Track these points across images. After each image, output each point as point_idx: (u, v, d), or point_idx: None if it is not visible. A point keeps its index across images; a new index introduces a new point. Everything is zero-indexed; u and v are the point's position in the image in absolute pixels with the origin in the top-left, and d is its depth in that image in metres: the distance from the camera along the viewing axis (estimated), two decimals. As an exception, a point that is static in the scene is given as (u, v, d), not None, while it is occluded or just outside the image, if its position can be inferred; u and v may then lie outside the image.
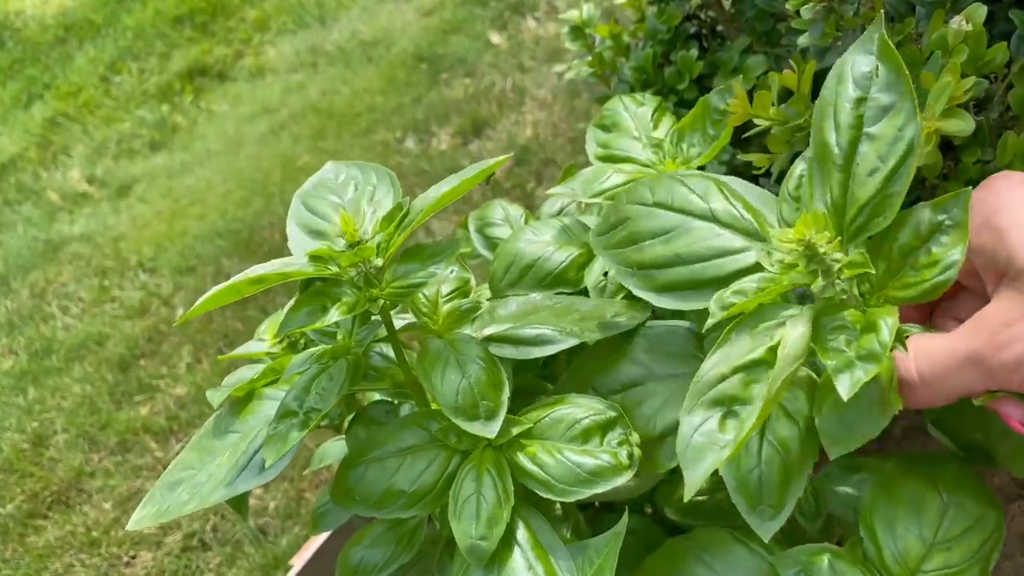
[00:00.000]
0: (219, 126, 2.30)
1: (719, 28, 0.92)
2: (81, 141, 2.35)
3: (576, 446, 0.45)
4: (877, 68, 0.38)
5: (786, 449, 0.39)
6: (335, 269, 0.42)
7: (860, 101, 0.38)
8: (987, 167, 0.58)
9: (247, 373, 0.53)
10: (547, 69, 2.13)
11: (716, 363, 0.37)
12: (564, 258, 0.60)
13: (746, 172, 0.71)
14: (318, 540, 0.85)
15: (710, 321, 0.37)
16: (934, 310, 0.43)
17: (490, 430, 0.42)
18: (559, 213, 0.73)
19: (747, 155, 0.65)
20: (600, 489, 0.43)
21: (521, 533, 0.46)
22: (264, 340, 0.57)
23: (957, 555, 0.38)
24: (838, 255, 0.35)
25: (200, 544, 1.33)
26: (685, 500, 0.35)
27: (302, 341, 0.56)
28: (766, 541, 0.38)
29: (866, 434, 0.36)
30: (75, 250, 2.00)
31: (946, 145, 0.62)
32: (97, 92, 2.49)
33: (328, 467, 0.72)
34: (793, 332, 0.34)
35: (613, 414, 0.45)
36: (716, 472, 0.52)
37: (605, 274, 0.57)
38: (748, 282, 0.38)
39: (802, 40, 0.60)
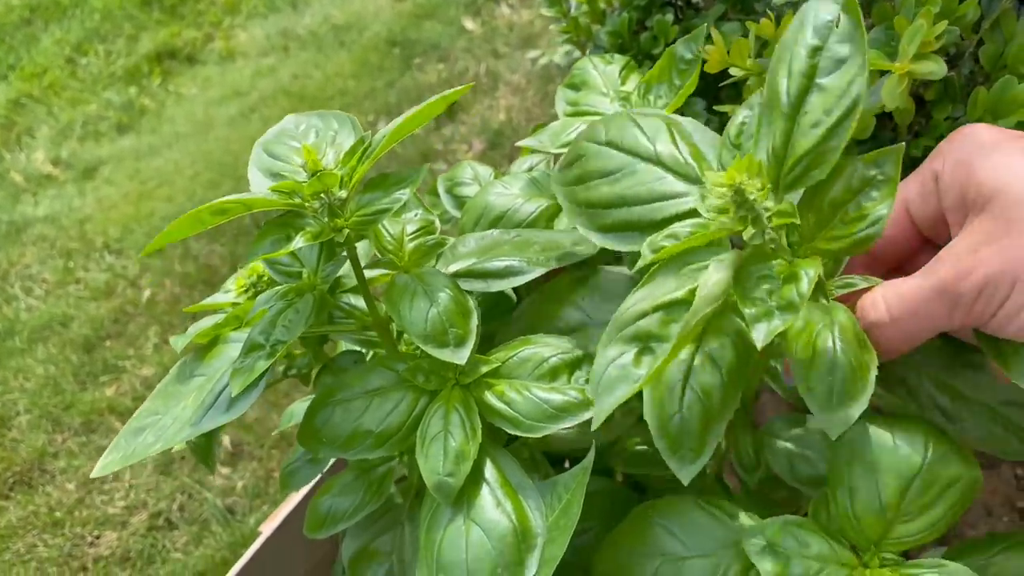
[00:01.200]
0: (188, 109, 2.27)
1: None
2: (46, 123, 2.31)
3: (544, 384, 0.45)
4: (839, 18, 0.37)
5: (708, 396, 0.39)
6: (298, 200, 0.41)
7: (816, 50, 0.37)
8: (957, 122, 0.58)
9: (211, 322, 0.52)
10: (521, 55, 2.13)
11: (638, 300, 0.38)
12: (534, 209, 0.59)
13: (719, 128, 0.71)
14: (287, 507, 0.83)
15: (640, 263, 0.37)
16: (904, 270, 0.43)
17: (460, 356, 0.42)
18: (528, 172, 0.73)
19: (722, 107, 0.65)
20: (567, 424, 0.43)
21: (490, 472, 0.45)
22: (230, 290, 0.56)
23: (919, 524, 0.38)
24: (768, 203, 0.35)
25: (166, 523, 1.32)
26: (592, 429, 0.36)
27: (267, 289, 0.55)
28: (685, 484, 0.38)
29: (856, 401, 0.36)
30: (39, 232, 1.96)
31: (918, 101, 0.63)
32: (63, 74, 2.45)
33: (285, 428, 0.71)
34: (713, 275, 0.34)
35: (580, 353, 0.45)
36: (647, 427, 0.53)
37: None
38: (681, 226, 0.38)
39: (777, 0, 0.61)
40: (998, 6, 0.57)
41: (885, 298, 0.38)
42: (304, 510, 0.85)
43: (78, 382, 1.57)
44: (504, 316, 0.54)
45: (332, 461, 0.67)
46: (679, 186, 0.42)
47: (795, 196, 0.39)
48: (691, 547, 0.44)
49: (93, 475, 0.47)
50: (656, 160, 0.44)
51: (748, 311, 0.34)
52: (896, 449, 0.39)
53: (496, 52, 2.16)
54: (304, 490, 0.79)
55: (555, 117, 0.66)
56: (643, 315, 0.37)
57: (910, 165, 0.65)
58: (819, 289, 0.40)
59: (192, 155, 2.09)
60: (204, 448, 0.53)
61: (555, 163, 0.72)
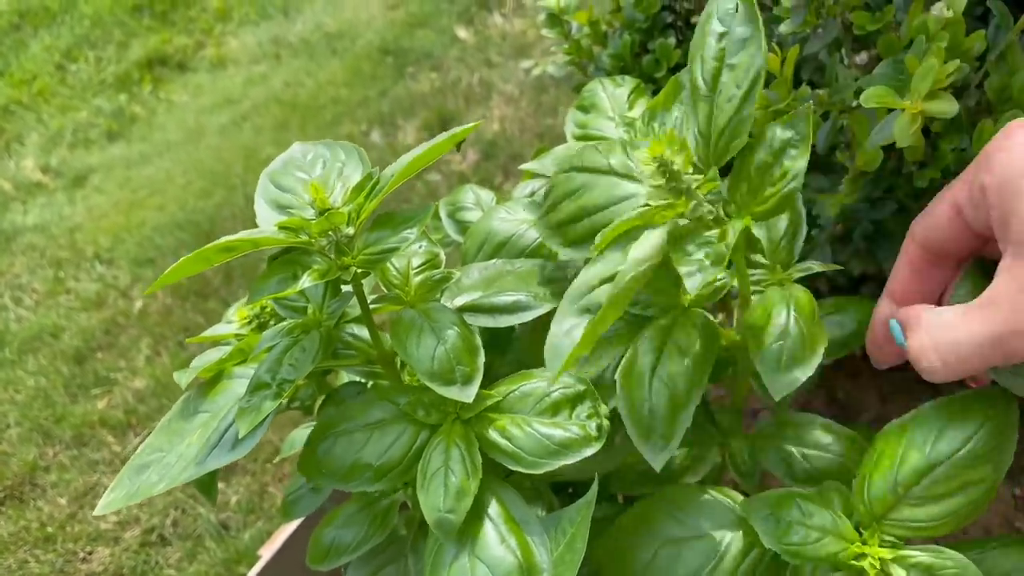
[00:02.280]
0: (179, 117, 2.26)
1: (693, 20, 0.92)
2: (35, 130, 2.29)
3: (545, 419, 0.45)
4: (737, 5, 0.42)
5: (674, 383, 0.42)
6: (305, 238, 0.41)
7: (723, 35, 0.41)
8: (963, 154, 0.59)
9: (215, 355, 0.51)
10: (514, 65, 2.13)
11: (587, 277, 0.41)
12: (537, 235, 0.59)
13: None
14: (287, 531, 0.83)
15: (592, 251, 0.40)
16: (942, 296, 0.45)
17: (467, 394, 0.42)
18: (530, 196, 0.73)
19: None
20: (569, 460, 0.43)
21: (493, 508, 0.45)
22: (232, 322, 0.56)
23: (925, 513, 0.39)
24: (694, 174, 0.38)
25: (159, 539, 1.31)
26: (548, 386, 0.41)
27: (271, 321, 0.55)
28: (658, 470, 0.41)
29: (804, 374, 0.40)
30: (29, 241, 1.95)
31: (923, 132, 0.63)
32: (52, 80, 2.43)
33: (286, 456, 0.71)
34: (645, 241, 0.37)
35: (582, 387, 0.45)
36: None
37: (577, 252, 0.57)
38: (627, 213, 0.40)
39: (783, 27, 0.61)
40: (1004, 39, 0.57)
41: (938, 349, 0.38)
42: (303, 533, 0.84)
43: (69, 394, 1.56)
44: (503, 346, 0.54)
45: (331, 490, 0.67)
46: (631, 188, 0.45)
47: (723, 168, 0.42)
48: (692, 528, 0.45)
49: (96, 513, 0.46)
50: (610, 171, 0.46)
51: (682, 268, 0.37)
52: (940, 435, 0.41)
53: (489, 62, 2.16)
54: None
55: (549, 128, 0.66)
56: (591, 288, 0.40)
57: (913, 195, 0.66)
58: (750, 246, 0.44)
59: (183, 164, 2.08)
60: (207, 482, 0.53)
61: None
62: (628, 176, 0.45)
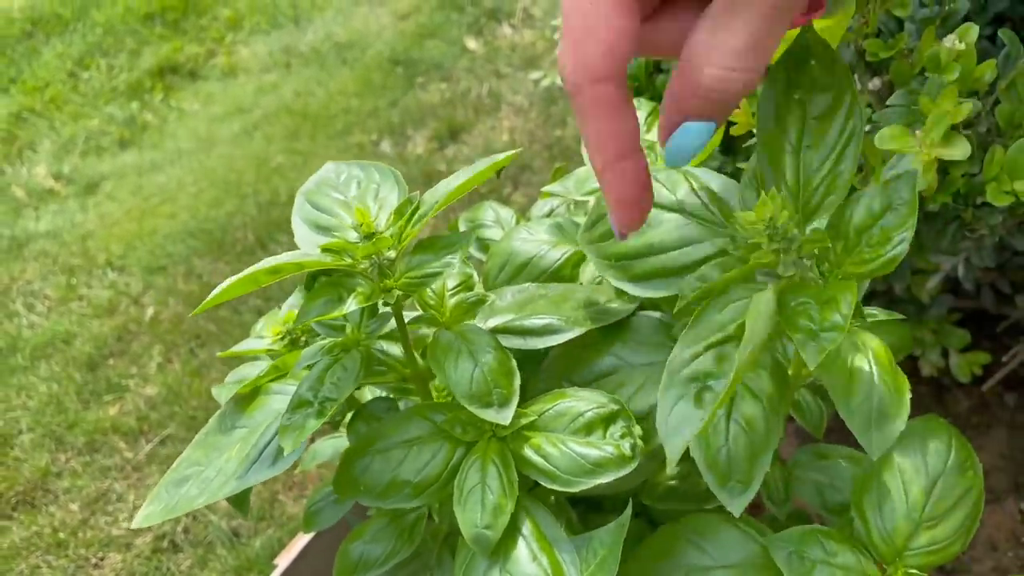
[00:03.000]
0: (190, 125, 2.27)
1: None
2: (48, 137, 2.31)
3: (580, 438, 0.46)
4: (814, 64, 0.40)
5: (752, 427, 0.41)
6: (349, 260, 0.42)
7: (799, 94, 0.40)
8: (974, 179, 0.60)
9: (250, 370, 0.53)
10: (523, 76, 2.15)
11: (689, 343, 0.39)
12: (559, 256, 0.61)
13: (733, 176, 0.73)
14: (303, 539, 0.84)
15: (679, 304, 0.40)
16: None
17: (503, 416, 0.43)
18: (549, 215, 0.74)
19: (741, 163, 0.66)
20: (604, 479, 0.44)
21: (525, 525, 0.46)
22: (264, 337, 0.57)
23: (942, 531, 0.41)
24: (796, 232, 0.37)
25: (171, 546, 1.32)
26: (668, 471, 0.37)
27: (303, 338, 0.56)
28: (736, 516, 0.40)
29: (895, 421, 0.38)
30: (41, 247, 1.96)
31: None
32: (64, 88, 2.45)
33: (308, 468, 0.72)
34: (759, 304, 0.36)
35: (615, 407, 0.46)
36: (689, 458, 0.54)
37: (602, 272, 0.58)
38: (709, 268, 0.40)
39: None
40: (1014, 67, 0.58)
41: (734, 67, 0.32)
42: (319, 542, 0.86)
43: (81, 401, 1.57)
44: (534, 366, 0.55)
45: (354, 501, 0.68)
46: (702, 230, 0.45)
47: (818, 225, 0.41)
48: (718, 559, 0.46)
49: (134, 526, 0.48)
50: (679, 209, 0.46)
51: (796, 336, 0.36)
52: (922, 454, 0.42)
53: (498, 73, 2.17)
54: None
55: (558, 139, 0.68)
56: (696, 356, 0.39)
57: (923, 219, 0.67)
58: (856, 312, 0.42)
59: (195, 172, 2.09)
60: (241, 497, 0.54)
61: (575, 208, 0.73)
62: (698, 216, 0.44)
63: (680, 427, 0.37)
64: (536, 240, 0.64)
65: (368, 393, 0.62)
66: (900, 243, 0.38)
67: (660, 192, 0.46)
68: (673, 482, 0.57)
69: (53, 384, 1.61)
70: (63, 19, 2.65)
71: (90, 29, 2.60)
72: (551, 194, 0.73)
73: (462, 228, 0.75)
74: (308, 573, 0.82)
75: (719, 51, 0.32)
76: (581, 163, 0.74)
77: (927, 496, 0.41)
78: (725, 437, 0.41)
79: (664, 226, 0.45)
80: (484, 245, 0.72)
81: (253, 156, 2.09)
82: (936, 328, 0.97)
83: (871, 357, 0.41)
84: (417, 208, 0.43)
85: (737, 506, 0.40)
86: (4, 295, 1.86)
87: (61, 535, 1.36)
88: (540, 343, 0.48)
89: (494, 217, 0.74)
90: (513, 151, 0.45)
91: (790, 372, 0.46)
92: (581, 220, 0.67)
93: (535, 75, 2.30)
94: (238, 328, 1.62)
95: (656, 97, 0.86)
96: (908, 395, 0.40)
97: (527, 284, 0.53)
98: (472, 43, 2.31)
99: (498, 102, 2.09)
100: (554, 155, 1.90)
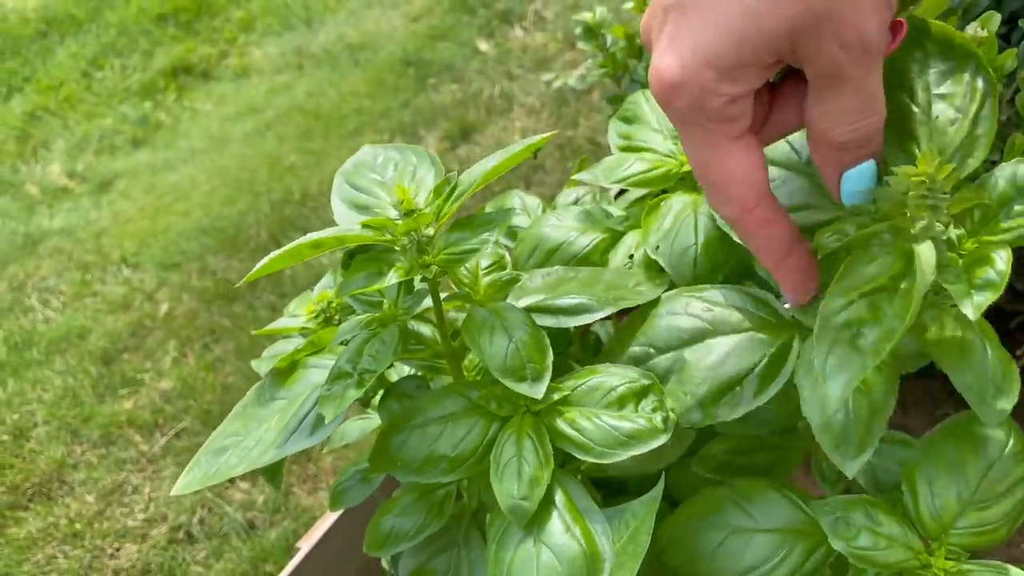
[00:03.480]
0: (203, 124, 2.29)
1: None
2: (61, 136, 2.33)
3: (612, 412, 0.47)
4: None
5: (870, 391, 0.41)
6: (389, 237, 0.44)
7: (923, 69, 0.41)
8: (993, 166, 0.61)
9: (286, 346, 0.54)
10: (535, 77, 2.17)
11: (840, 292, 0.39)
12: (588, 242, 0.62)
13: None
14: (324, 524, 0.85)
15: (818, 255, 0.41)
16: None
17: (537, 390, 0.44)
18: (575, 203, 0.76)
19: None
20: (637, 451, 0.45)
21: (558, 496, 0.47)
22: (298, 315, 0.58)
23: (992, 514, 0.41)
24: (947, 192, 0.37)
25: (186, 537, 1.33)
26: (825, 414, 0.38)
27: (337, 316, 0.58)
28: (850, 477, 0.40)
29: (1011, 398, 0.38)
30: (55, 244, 1.98)
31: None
32: (78, 87, 2.47)
33: (335, 447, 0.73)
34: (923, 253, 0.36)
35: (647, 382, 0.47)
36: (745, 436, 0.54)
37: (630, 257, 0.59)
38: (846, 222, 0.40)
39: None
40: (1034, 56, 0.60)
41: (861, 120, 0.36)
42: (340, 526, 0.87)
43: (96, 394, 1.59)
44: (560, 349, 0.56)
45: (381, 480, 0.69)
46: (821, 197, 0.45)
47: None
48: (761, 522, 0.46)
49: (173, 492, 0.49)
50: (807, 172, 0.46)
51: (953, 288, 0.36)
52: (982, 439, 0.43)
53: (510, 74, 2.19)
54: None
55: (569, 139, 0.69)
56: (849, 304, 0.38)
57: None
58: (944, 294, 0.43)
59: (208, 171, 2.11)
60: (274, 469, 0.55)
61: (601, 195, 0.74)
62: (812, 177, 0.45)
63: (839, 371, 0.36)
64: (565, 227, 0.65)
65: (395, 374, 0.63)
66: None
67: (790, 154, 0.47)
68: (728, 456, 0.57)
69: (68, 378, 1.62)
70: (77, 19, 2.67)
71: (104, 30, 2.63)
72: (579, 183, 0.74)
73: (488, 216, 0.76)
74: (330, 555, 0.84)
75: (839, 116, 0.36)
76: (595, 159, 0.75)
77: (982, 478, 0.42)
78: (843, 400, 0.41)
79: (788, 185, 0.46)
80: (511, 232, 0.73)
81: (266, 155, 2.10)
82: (950, 323, 0.98)
83: (979, 331, 0.41)
84: (455, 188, 0.44)
85: (852, 468, 0.40)
86: (19, 291, 1.87)
87: (77, 526, 1.37)
88: (572, 322, 0.49)
89: (520, 205, 0.75)
90: (550, 132, 0.46)
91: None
92: (608, 207, 0.68)
93: (547, 76, 2.32)
94: (252, 323, 1.63)
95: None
96: (1017, 371, 0.40)
97: (556, 267, 0.54)
98: (484, 45, 2.33)
99: (510, 103, 2.11)
100: (566, 155, 1.91)
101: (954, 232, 0.40)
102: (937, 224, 0.37)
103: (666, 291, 0.55)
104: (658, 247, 0.57)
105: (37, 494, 1.44)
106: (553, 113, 2.02)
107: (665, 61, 0.35)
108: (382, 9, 2.58)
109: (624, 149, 0.65)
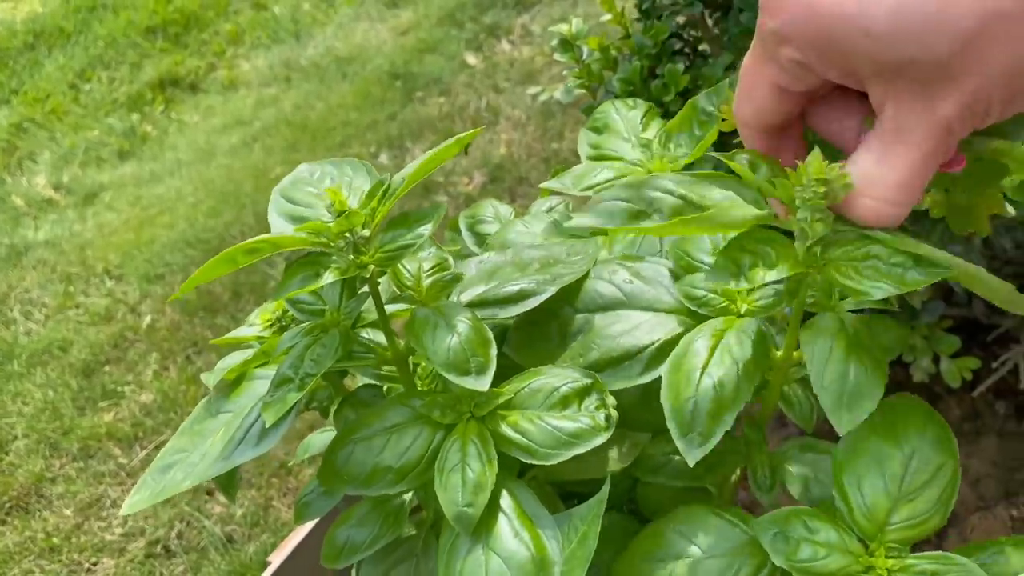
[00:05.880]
0: (190, 137, 2.29)
1: (702, 48, 0.95)
2: (48, 148, 2.33)
3: (556, 412, 0.46)
4: None
5: (723, 386, 0.43)
6: (324, 239, 0.43)
7: None
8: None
9: (237, 357, 0.53)
10: (521, 91, 2.17)
11: (674, 181, 0.42)
12: (551, 249, 0.61)
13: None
14: (296, 538, 0.84)
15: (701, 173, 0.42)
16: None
17: (482, 383, 0.44)
18: (548, 212, 0.75)
19: (733, 162, 0.67)
20: (580, 450, 0.44)
21: (506, 502, 0.47)
22: (255, 325, 0.58)
23: (921, 505, 0.41)
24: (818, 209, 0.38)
25: (164, 551, 1.31)
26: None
27: (292, 324, 0.57)
28: (691, 465, 0.41)
29: (868, 407, 0.39)
30: (39, 256, 1.97)
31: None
32: (65, 99, 2.47)
33: (300, 459, 0.72)
34: (744, 211, 0.38)
35: (588, 380, 0.47)
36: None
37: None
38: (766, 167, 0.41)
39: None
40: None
41: (886, 200, 0.36)
42: (312, 540, 0.86)
43: (76, 407, 1.58)
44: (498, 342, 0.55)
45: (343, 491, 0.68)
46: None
47: None
48: (707, 550, 0.46)
49: (122, 513, 0.48)
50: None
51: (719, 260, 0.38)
52: (897, 430, 0.43)
53: (497, 87, 2.19)
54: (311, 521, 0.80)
55: (555, 152, 0.69)
56: (667, 191, 0.41)
57: (911, 219, 0.68)
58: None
59: (194, 183, 2.11)
60: (228, 479, 0.55)
61: (574, 205, 0.74)
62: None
63: (603, 213, 0.41)
64: (531, 233, 0.64)
65: (361, 382, 0.63)
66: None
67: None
68: (666, 457, 0.57)
69: (49, 391, 1.61)
70: (65, 32, 2.68)
71: (92, 42, 2.63)
72: (549, 191, 0.73)
73: (462, 226, 0.76)
74: (301, 570, 0.82)
75: (879, 184, 0.36)
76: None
77: (904, 470, 0.42)
78: (695, 390, 0.43)
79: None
80: (482, 240, 0.73)
81: (252, 167, 2.10)
82: (927, 334, 0.97)
83: (851, 335, 0.42)
84: (388, 188, 0.44)
85: (693, 456, 0.42)
86: (2, 303, 1.86)
87: (55, 540, 1.36)
88: (518, 309, 0.48)
89: (493, 213, 0.75)
90: (477, 129, 0.46)
91: (780, 354, 0.47)
92: (578, 216, 0.67)
93: (533, 90, 2.32)
94: (234, 335, 1.63)
95: (650, 101, 0.87)
96: (885, 377, 0.40)
97: (489, 254, 0.53)
98: (471, 58, 2.33)
99: (496, 116, 2.11)
100: (551, 168, 1.91)
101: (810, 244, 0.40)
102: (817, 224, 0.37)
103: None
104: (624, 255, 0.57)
105: (15, 508, 1.42)
106: (539, 126, 2.02)
107: None
108: (370, 22, 2.59)
109: (593, 158, 0.65)
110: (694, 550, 0.47)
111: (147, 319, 1.74)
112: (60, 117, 2.41)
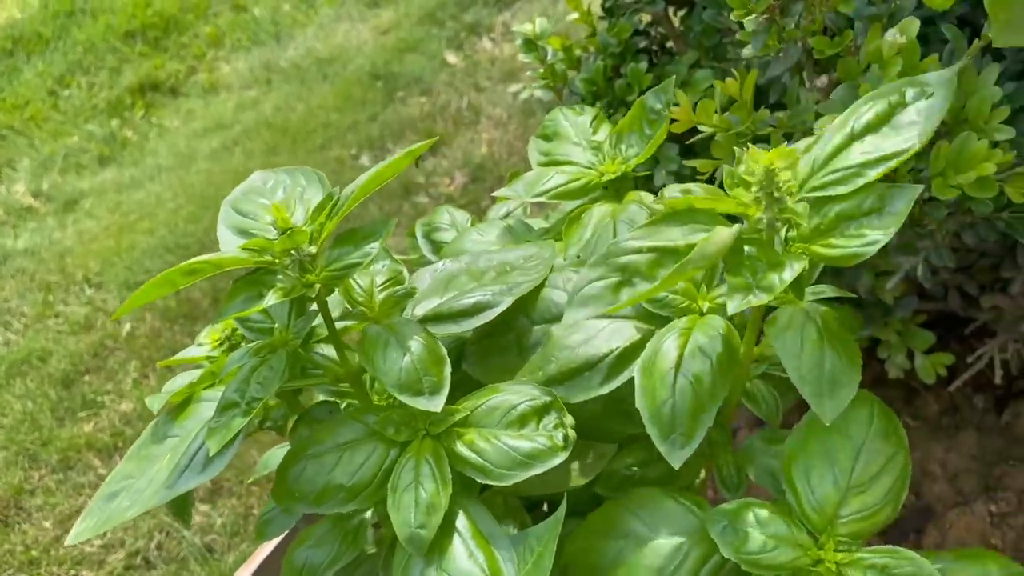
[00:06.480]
0: (170, 141, 2.27)
1: (668, 45, 0.94)
2: (27, 155, 2.30)
3: (513, 431, 0.45)
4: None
5: (699, 383, 0.42)
6: (269, 258, 0.42)
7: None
8: (920, 174, 0.60)
9: (186, 379, 0.52)
10: (503, 89, 2.15)
11: (636, 238, 0.40)
12: (507, 257, 0.60)
13: (691, 179, 0.73)
14: (264, 551, 0.83)
15: (648, 220, 0.41)
16: None
17: (435, 404, 0.43)
18: (505, 217, 0.74)
19: (692, 161, 0.66)
20: (537, 471, 0.44)
21: (462, 523, 0.46)
22: (204, 344, 0.56)
23: (871, 497, 0.41)
24: (789, 196, 0.38)
25: (144, 562, 1.30)
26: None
27: (242, 344, 0.56)
28: (676, 468, 0.41)
29: (848, 392, 0.39)
30: (19, 265, 1.95)
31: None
32: (45, 106, 2.45)
33: (259, 476, 0.71)
34: (721, 235, 0.37)
35: (548, 399, 0.46)
36: (641, 448, 0.53)
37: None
38: (698, 187, 0.41)
39: (746, 52, 0.62)
40: (957, 62, 0.58)
41: None
42: (280, 553, 0.84)
43: (56, 418, 1.56)
44: (454, 357, 0.54)
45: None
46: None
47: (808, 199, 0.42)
48: (656, 530, 0.46)
49: (68, 543, 0.47)
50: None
51: (731, 280, 0.37)
52: (846, 423, 0.43)
53: (478, 86, 2.18)
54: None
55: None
56: (637, 252, 0.40)
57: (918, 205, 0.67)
58: (797, 288, 0.43)
59: (174, 188, 2.09)
60: (180, 503, 0.53)
61: (531, 210, 0.73)
62: None
63: (589, 302, 0.40)
64: (486, 241, 0.64)
65: (319, 398, 0.61)
66: (871, 243, 0.38)
67: None
68: (630, 470, 0.57)
69: (28, 401, 1.59)
70: (44, 38, 2.65)
71: (71, 47, 2.61)
72: (505, 197, 0.73)
73: (419, 232, 0.75)
74: (268, 585, 0.81)
75: None
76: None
77: (853, 462, 0.41)
78: (671, 391, 0.42)
79: None
80: (439, 248, 0.72)
81: (232, 171, 2.08)
82: (901, 329, 0.96)
83: (821, 325, 0.42)
84: (336, 203, 0.42)
85: (677, 459, 0.41)
86: (-19, 313, 1.84)
87: (34, 553, 1.34)
88: (474, 323, 0.47)
89: (449, 221, 0.74)
90: (431, 139, 0.45)
91: (743, 345, 0.47)
92: (530, 221, 0.66)
93: (514, 88, 2.31)
94: (214, 342, 1.61)
95: (614, 102, 0.86)
96: (859, 363, 0.41)
97: (442, 262, 0.53)
98: (452, 57, 2.32)
99: (477, 115, 2.09)
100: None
101: (784, 235, 0.40)
102: (772, 222, 0.37)
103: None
104: (578, 257, 0.56)
105: (-7, 521, 1.41)
106: (520, 124, 2.01)
107: None
108: (351, 22, 2.57)
109: (544, 164, 0.64)
110: (645, 531, 0.46)
111: (127, 327, 1.72)
112: (39, 124, 2.39)
